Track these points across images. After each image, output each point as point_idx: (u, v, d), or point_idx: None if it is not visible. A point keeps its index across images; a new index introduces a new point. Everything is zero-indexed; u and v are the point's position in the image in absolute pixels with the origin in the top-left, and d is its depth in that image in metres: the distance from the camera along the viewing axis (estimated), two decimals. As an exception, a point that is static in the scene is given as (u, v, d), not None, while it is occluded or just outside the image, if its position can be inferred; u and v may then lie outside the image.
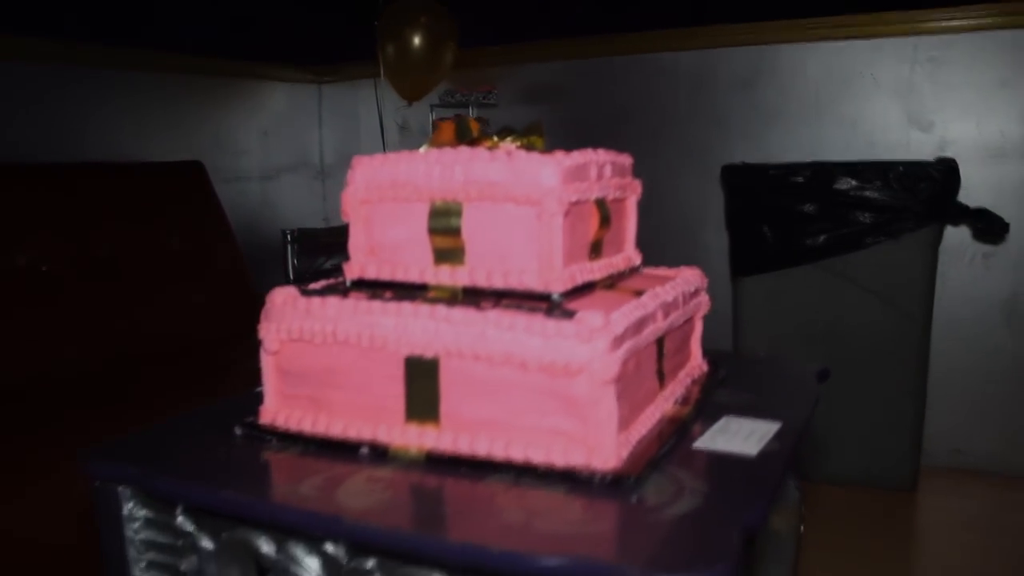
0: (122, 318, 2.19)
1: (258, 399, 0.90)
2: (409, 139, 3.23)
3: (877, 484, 2.41)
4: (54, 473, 1.39)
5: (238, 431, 0.87)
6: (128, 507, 0.82)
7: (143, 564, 0.83)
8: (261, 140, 3.18)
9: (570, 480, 0.71)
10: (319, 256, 2.73)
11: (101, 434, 0.90)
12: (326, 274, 2.23)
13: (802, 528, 1.16)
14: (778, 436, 0.83)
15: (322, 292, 0.84)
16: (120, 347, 2.14)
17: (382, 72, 2.81)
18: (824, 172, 2.31)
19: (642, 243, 1.00)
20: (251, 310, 2.56)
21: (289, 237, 2.60)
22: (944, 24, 2.45)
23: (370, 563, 0.69)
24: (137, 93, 2.67)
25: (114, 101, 2.61)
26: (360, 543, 0.69)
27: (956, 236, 2.48)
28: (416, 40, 2.71)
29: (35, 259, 2.06)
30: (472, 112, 2.92)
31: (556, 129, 2.89)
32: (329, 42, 3.33)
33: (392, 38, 2.74)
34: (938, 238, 2.30)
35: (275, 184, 3.26)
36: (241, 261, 2.63)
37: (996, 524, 2.25)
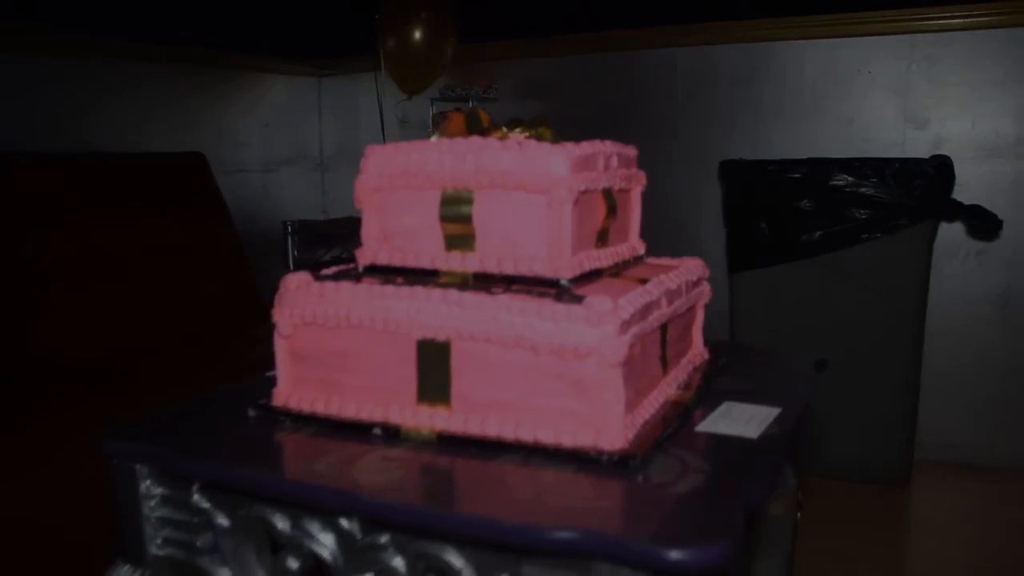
0: (124, 307, 2.21)
1: (268, 384, 0.92)
2: (409, 132, 3.25)
3: (871, 478, 2.44)
4: (69, 454, 1.41)
5: (252, 413, 0.89)
6: (145, 485, 0.84)
7: (159, 541, 0.85)
8: (261, 132, 3.20)
9: (579, 459, 0.74)
10: (319, 248, 2.74)
11: (108, 418, 0.92)
12: (326, 265, 2.25)
13: (799, 515, 1.19)
14: (778, 421, 0.85)
15: (335, 277, 0.86)
16: (121, 336, 2.16)
17: (382, 66, 2.82)
18: (821, 168, 2.34)
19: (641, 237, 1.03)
20: (252, 300, 2.59)
21: (290, 228, 2.61)
22: (940, 22, 2.47)
23: (384, 538, 0.71)
24: (139, 85, 2.69)
25: (117, 92, 2.62)
26: (375, 518, 0.71)
27: (950, 233, 2.51)
28: (416, 34, 2.73)
29: (39, 248, 2.07)
30: (471, 105, 2.93)
31: (555, 124, 2.91)
32: (329, 35, 3.35)
33: (392, 32, 2.75)
34: (932, 234, 2.32)
35: (275, 176, 3.28)
36: (242, 252, 2.65)
37: (988, 517, 2.28)
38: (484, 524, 0.64)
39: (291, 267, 2.63)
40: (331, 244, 2.79)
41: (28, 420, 1.58)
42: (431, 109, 2.99)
